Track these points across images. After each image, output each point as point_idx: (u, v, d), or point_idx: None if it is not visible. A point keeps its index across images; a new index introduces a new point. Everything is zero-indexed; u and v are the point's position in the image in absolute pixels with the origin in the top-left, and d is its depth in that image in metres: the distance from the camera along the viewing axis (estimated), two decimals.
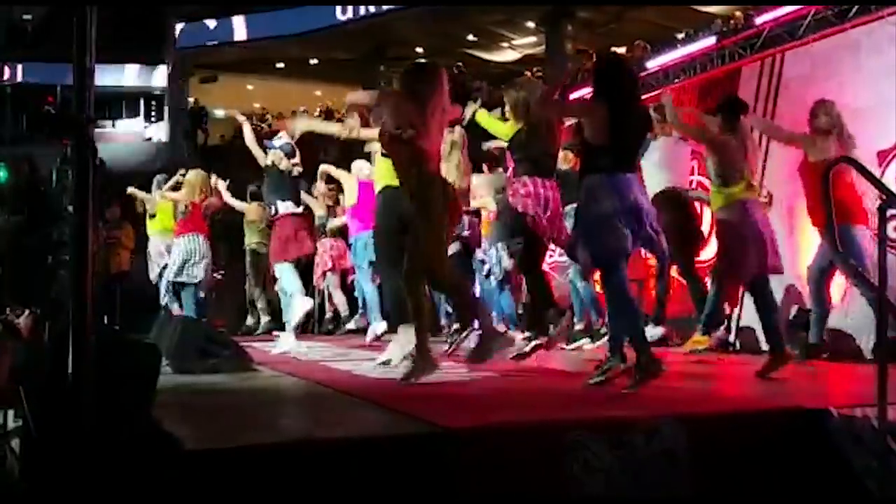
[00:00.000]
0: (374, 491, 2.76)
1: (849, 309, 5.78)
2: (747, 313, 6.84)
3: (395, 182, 5.23)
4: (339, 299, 9.20)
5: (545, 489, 2.97)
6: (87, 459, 2.42)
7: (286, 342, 6.58)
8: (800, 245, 6.35)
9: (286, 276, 6.67)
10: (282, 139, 6.95)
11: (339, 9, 20.83)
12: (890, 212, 3.40)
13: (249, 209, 9.37)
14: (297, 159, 6.83)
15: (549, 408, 3.70)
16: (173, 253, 7.83)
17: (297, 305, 6.51)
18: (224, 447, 2.79)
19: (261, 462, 2.70)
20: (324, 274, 9.11)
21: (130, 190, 9.33)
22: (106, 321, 9.61)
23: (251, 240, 9.65)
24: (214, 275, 8.36)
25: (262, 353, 6.66)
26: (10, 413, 3.64)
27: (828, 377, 5.02)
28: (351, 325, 8.78)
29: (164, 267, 8.44)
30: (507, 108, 5.51)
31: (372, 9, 19.73)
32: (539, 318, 5.27)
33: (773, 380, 4.55)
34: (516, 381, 4.83)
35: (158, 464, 2.52)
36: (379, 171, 5.71)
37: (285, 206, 6.73)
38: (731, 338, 7.01)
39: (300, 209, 6.93)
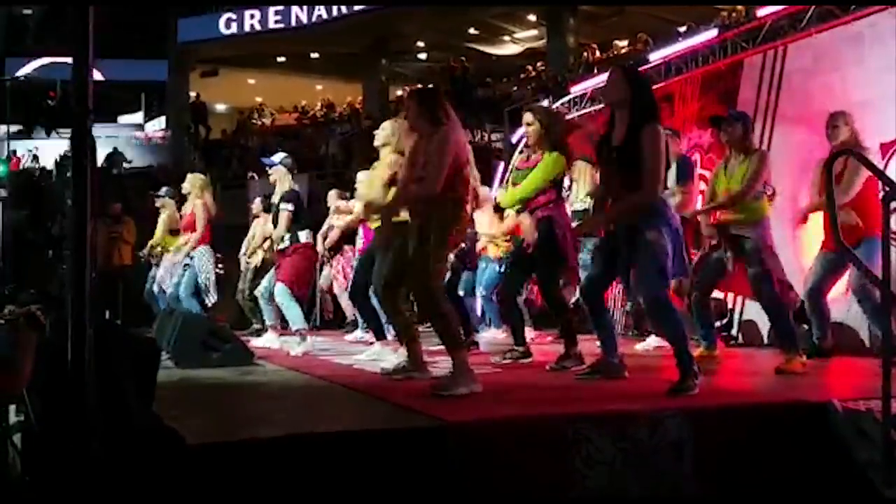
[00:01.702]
0: (377, 484, 2.76)
1: (851, 302, 5.76)
2: (749, 307, 6.83)
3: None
4: (346, 302, 9.19)
5: (548, 483, 2.97)
6: (88, 454, 2.41)
7: (305, 343, 6.47)
8: (803, 240, 6.33)
9: (293, 311, 6.46)
10: (280, 154, 6.91)
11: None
12: (893, 203, 3.39)
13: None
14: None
15: (552, 402, 3.69)
16: (197, 267, 7.60)
17: (306, 345, 6.38)
18: (226, 441, 2.79)
19: (263, 456, 2.70)
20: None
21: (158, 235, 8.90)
22: (107, 316, 9.61)
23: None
24: (216, 269, 8.25)
25: (265, 349, 6.66)
26: (12, 408, 3.64)
27: (831, 370, 5.01)
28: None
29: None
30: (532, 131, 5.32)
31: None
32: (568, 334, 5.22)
33: (779, 372, 4.55)
34: (519, 375, 4.82)
35: (160, 458, 2.52)
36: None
37: (306, 235, 6.60)
38: (734, 331, 7.00)
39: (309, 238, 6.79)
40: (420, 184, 4.14)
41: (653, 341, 6.34)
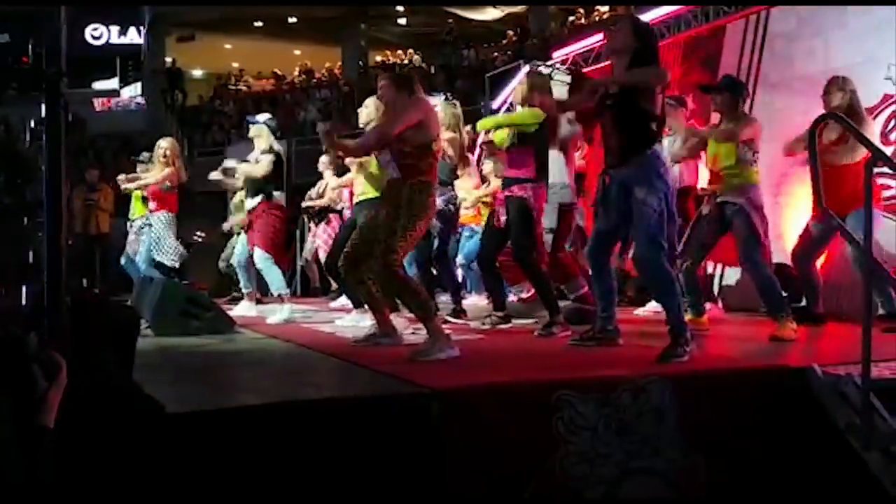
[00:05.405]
0: (361, 451, 2.75)
1: (831, 269, 5.79)
2: (729, 273, 6.86)
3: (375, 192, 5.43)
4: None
5: (530, 448, 2.97)
6: (65, 422, 2.38)
7: (284, 311, 6.41)
8: (788, 215, 6.35)
9: (274, 276, 6.44)
10: (265, 115, 6.82)
11: None
12: (876, 169, 3.39)
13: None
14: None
15: (536, 368, 3.69)
16: (156, 231, 7.46)
17: (286, 310, 6.32)
18: (207, 409, 2.76)
19: (244, 424, 2.67)
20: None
21: (124, 187, 8.63)
22: (85, 284, 9.52)
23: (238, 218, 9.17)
24: (195, 236, 8.15)
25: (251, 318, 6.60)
26: None
27: (816, 336, 5.04)
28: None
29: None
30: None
31: None
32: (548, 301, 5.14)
33: (759, 339, 4.57)
34: (503, 341, 4.82)
35: (139, 426, 2.49)
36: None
37: (278, 195, 6.55)
38: (715, 296, 7.02)
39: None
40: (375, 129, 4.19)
41: (653, 306, 6.28)
